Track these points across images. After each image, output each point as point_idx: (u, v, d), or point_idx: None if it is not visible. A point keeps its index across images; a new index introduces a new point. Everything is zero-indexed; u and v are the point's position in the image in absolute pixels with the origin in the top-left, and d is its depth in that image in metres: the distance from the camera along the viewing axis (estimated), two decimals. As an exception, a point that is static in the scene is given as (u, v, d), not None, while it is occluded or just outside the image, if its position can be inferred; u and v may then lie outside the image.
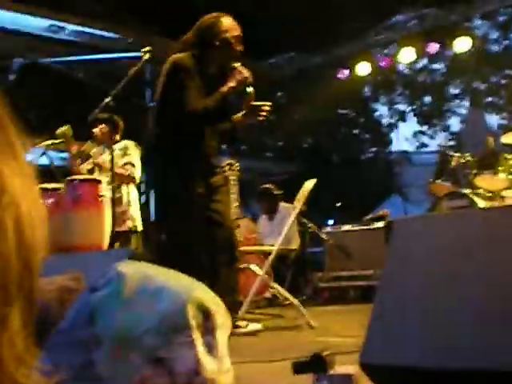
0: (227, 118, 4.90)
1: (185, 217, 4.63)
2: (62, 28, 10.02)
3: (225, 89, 4.63)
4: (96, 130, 6.95)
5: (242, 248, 5.78)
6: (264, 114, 4.85)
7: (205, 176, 4.77)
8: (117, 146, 6.84)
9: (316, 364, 1.88)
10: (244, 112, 4.90)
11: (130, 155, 6.99)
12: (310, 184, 5.80)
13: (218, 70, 4.80)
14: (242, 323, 4.71)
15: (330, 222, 13.52)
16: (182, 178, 4.64)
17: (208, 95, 4.60)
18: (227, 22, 4.78)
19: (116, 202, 6.10)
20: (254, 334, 4.70)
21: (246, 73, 4.68)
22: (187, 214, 4.63)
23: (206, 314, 0.94)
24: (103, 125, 6.83)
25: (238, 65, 4.70)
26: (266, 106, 4.87)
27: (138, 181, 7.03)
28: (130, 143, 7.08)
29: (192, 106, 4.50)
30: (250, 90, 4.74)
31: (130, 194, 7.00)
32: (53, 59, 11.24)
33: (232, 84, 4.65)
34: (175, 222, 4.69)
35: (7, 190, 0.48)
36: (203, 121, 4.65)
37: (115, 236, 5.98)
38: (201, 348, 0.92)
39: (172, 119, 4.64)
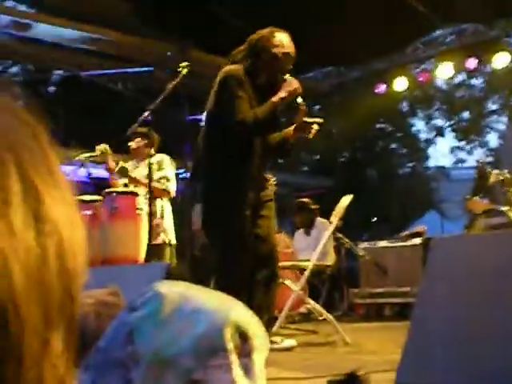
0: (277, 128, 4.91)
1: (231, 233, 4.62)
2: (100, 40, 10.12)
3: (275, 99, 4.62)
4: (132, 144, 7.01)
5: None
6: (315, 130, 4.82)
7: (253, 191, 4.75)
8: (152, 160, 6.88)
9: (351, 383, 1.88)
10: (295, 126, 4.89)
11: (164, 169, 7.03)
12: (346, 200, 5.79)
13: (267, 83, 4.79)
14: (276, 339, 4.69)
15: (366, 236, 13.45)
16: (230, 195, 4.65)
17: (256, 107, 4.60)
18: (280, 37, 4.78)
19: (152, 215, 6.14)
20: (288, 349, 4.68)
21: (295, 84, 4.67)
22: (234, 230, 4.61)
23: (243, 336, 0.95)
24: (139, 138, 6.89)
25: (288, 76, 4.70)
26: (317, 122, 4.86)
27: (172, 195, 7.08)
28: (165, 157, 7.13)
29: (242, 115, 4.50)
30: (300, 101, 4.72)
31: (165, 207, 7.05)
32: (92, 72, 11.37)
33: (282, 95, 4.64)
34: (221, 235, 4.71)
35: (50, 219, 0.50)
36: (253, 130, 4.62)
37: (150, 249, 6.01)
38: (238, 371, 0.93)
39: (222, 131, 4.64)
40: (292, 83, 4.67)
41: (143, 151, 6.84)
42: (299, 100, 4.72)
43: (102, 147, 6.69)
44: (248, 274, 4.61)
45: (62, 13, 10.45)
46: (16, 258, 0.46)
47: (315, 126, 4.82)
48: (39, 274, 0.48)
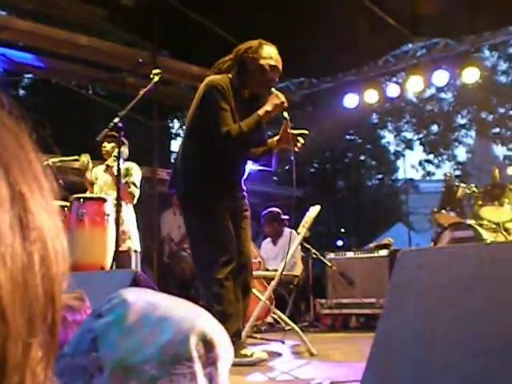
0: (262, 142, 4.85)
1: (209, 240, 4.59)
2: (72, 44, 10.07)
3: (260, 112, 4.57)
4: (106, 146, 7.01)
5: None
6: (300, 143, 4.80)
7: (231, 196, 4.75)
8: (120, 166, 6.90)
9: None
10: (279, 137, 4.85)
11: (132, 175, 7.04)
12: (315, 210, 5.80)
13: (251, 95, 4.77)
14: (246, 352, 4.65)
15: (340, 242, 13.46)
16: (208, 205, 4.64)
17: (240, 119, 4.55)
18: (269, 50, 4.73)
19: (120, 221, 6.12)
20: (258, 363, 4.64)
21: (281, 97, 4.62)
22: (212, 237, 4.59)
23: (208, 345, 0.94)
24: (113, 143, 6.91)
25: (274, 90, 4.66)
26: (303, 134, 4.84)
27: (134, 201, 7.08)
28: (134, 165, 7.15)
29: (227, 128, 4.46)
30: (286, 115, 4.69)
31: (130, 213, 7.05)
32: (62, 76, 11.30)
33: (268, 108, 4.59)
34: (200, 243, 4.68)
35: (35, 226, 0.51)
36: (238, 144, 4.58)
37: (116, 256, 5.99)
38: (202, 379, 0.92)
39: (203, 141, 4.62)
40: (278, 97, 4.63)
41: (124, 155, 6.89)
42: (285, 114, 4.69)
43: (86, 160, 6.70)
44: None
45: (34, 16, 10.40)
46: (2, 263, 0.47)
47: (301, 139, 4.80)
48: (24, 280, 0.49)
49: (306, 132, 4.87)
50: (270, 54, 4.72)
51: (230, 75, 4.71)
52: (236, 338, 4.44)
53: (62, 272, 0.54)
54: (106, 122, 5.32)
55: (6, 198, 0.49)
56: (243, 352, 4.52)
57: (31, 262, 0.50)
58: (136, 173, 7.12)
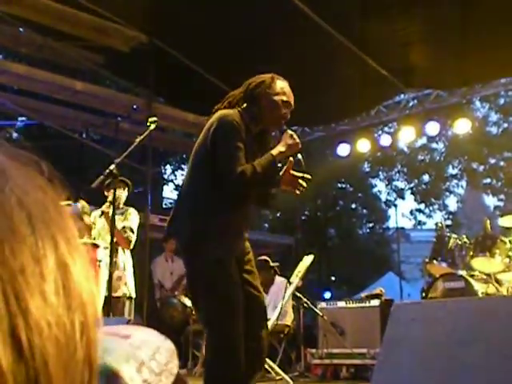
0: (275, 183, 4.56)
1: (221, 285, 4.40)
2: (68, 89, 10.15)
3: (274, 153, 4.34)
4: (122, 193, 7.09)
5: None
6: (302, 186, 4.55)
7: (240, 242, 4.48)
8: (118, 211, 6.94)
9: None
10: (282, 178, 4.54)
11: (129, 220, 7.05)
12: (308, 260, 5.81)
13: (261, 132, 4.56)
14: None
15: (327, 294, 13.44)
16: (218, 245, 4.31)
17: (248, 156, 4.29)
18: (281, 85, 4.51)
19: (113, 266, 6.11)
20: None
21: (296, 138, 4.44)
22: (224, 280, 4.26)
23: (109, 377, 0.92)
24: (126, 189, 7.00)
25: (288, 130, 4.45)
26: (306, 177, 4.57)
27: (131, 247, 7.07)
28: (132, 209, 7.16)
29: (241, 168, 4.19)
30: (299, 156, 4.49)
31: (126, 260, 7.03)
32: (56, 120, 11.35)
33: (282, 149, 4.37)
34: (209, 289, 4.30)
35: (77, 294, 0.53)
36: (251, 184, 4.32)
37: (109, 301, 5.94)
38: None
39: (212, 179, 4.34)
40: (293, 137, 4.43)
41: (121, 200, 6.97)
42: (299, 155, 4.50)
43: (84, 205, 6.72)
44: (242, 329, 4.41)
45: (30, 61, 10.49)
46: (50, 332, 0.49)
47: (303, 182, 4.55)
48: (67, 346, 0.51)
49: (309, 176, 4.61)
50: (283, 89, 4.52)
51: (240, 109, 4.46)
52: None
53: (97, 337, 0.56)
54: (99, 167, 5.34)
55: (53, 270, 0.51)
56: None
57: (74, 329, 0.52)
58: (133, 218, 7.13)
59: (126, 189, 7.16)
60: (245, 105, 4.51)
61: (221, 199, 4.36)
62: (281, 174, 4.58)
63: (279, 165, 4.65)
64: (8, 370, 0.47)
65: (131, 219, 7.08)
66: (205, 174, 4.40)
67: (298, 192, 4.61)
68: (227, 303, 4.29)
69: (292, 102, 4.59)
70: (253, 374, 4.65)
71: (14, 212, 0.52)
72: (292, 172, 4.54)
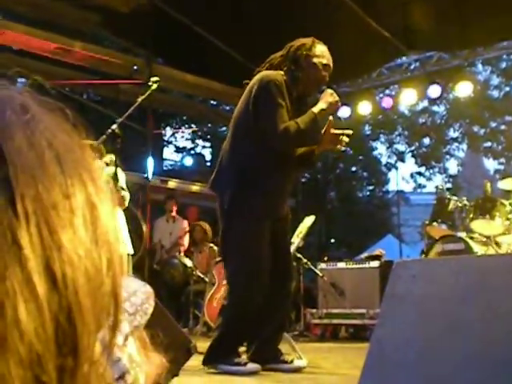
0: (317, 140, 4.65)
1: (250, 244, 4.47)
2: (68, 51, 10.09)
3: (315, 110, 4.43)
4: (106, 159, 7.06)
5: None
6: (344, 141, 4.64)
7: (282, 203, 4.65)
8: (111, 171, 6.97)
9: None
10: (324, 138, 4.64)
11: (119, 180, 7.07)
12: (309, 220, 5.81)
13: (303, 93, 4.64)
14: (240, 360, 4.56)
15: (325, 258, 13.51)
16: (257, 205, 4.46)
17: (290, 118, 4.38)
18: (321, 48, 4.60)
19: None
20: (250, 374, 4.56)
21: (336, 96, 4.52)
22: (253, 242, 4.47)
23: None
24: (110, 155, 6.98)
25: (327, 88, 4.57)
26: (346, 133, 4.65)
27: (126, 205, 7.09)
28: (118, 169, 7.18)
29: (285, 124, 4.30)
30: (330, 117, 4.57)
31: (121, 217, 7.06)
32: (57, 81, 11.30)
33: (323, 106, 4.45)
34: (239, 245, 4.51)
35: (103, 231, 0.56)
36: (295, 141, 4.43)
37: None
38: None
39: (255, 137, 4.43)
40: (333, 95, 4.51)
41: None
42: (330, 117, 4.58)
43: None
44: (263, 290, 4.44)
45: (28, 21, 10.40)
46: (80, 264, 0.52)
47: (344, 138, 4.63)
48: (95, 279, 0.54)
49: (350, 131, 4.67)
50: (322, 52, 4.60)
51: (281, 72, 4.54)
52: (235, 346, 4.50)
53: (123, 273, 0.59)
54: (99, 128, 5.30)
55: (81, 206, 0.54)
56: (236, 360, 4.46)
57: (101, 263, 0.54)
58: (122, 177, 7.15)
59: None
60: (286, 67, 4.58)
61: (264, 159, 4.45)
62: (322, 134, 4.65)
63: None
64: (44, 298, 0.49)
65: (120, 179, 7.11)
66: (247, 134, 4.48)
67: (342, 148, 4.70)
68: (254, 264, 4.43)
69: (331, 66, 4.63)
70: (279, 329, 4.78)
71: (44, 153, 0.54)
72: (333, 131, 4.61)
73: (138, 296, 0.87)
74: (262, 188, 4.47)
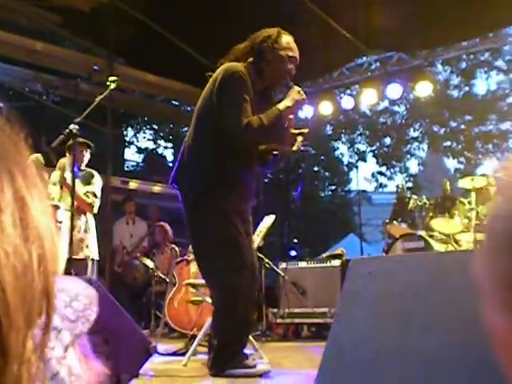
0: (280, 137, 4.48)
1: (225, 244, 4.29)
2: (27, 50, 9.99)
3: (281, 107, 4.29)
4: (85, 155, 7.04)
5: (198, 281, 5.75)
6: (299, 142, 4.50)
7: (245, 201, 4.47)
8: (81, 174, 6.95)
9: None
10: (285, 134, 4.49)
11: (93, 185, 7.03)
12: (269, 220, 5.82)
13: (267, 87, 4.50)
14: (249, 362, 4.38)
15: (293, 253, 13.52)
16: (224, 202, 4.29)
17: (253, 112, 4.23)
18: (287, 40, 4.46)
19: (74, 229, 6.08)
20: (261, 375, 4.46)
21: (302, 93, 4.38)
22: (228, 241, 4.28)
23: None
24: (88, 150, 6.96)
25: (293, 84, 4.40)
26: (303, 132, 4.54)
27: (95, 211, 7.05)
28: (95, 173, 7.14)
29: (248, 119, 4.14)
30: (291, 116, 4.43)
31: (89, 222, 7.02)
32: (16, 82, 11.19)
33: (289, 103, 4.32)
34: (213, 247, 4.33)
35: (34, 226, 0.54)
36: (257, 136, 4.28)
37: (71, 263, 5.92)
38: None
39: (217, 131, 4.27)
40: (300, 93, 4.38)
41: (81, 161, 6.95)
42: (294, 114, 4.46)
43: (34, 157, 6.62)
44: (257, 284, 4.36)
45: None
46: (7, 260, 0.50)
47: (299, 138, 4.51)
48: (25, 276, 0.52)
49: (306, 130, 4.57)
50: (289, 43, 4.46)
51: (245, 64, 4.39)
52: (240, 348, 4.36)
53: (56, 270, 0.57)
54: (59, 129, 5.25)
55: (10, 202, 0.53)
56: (245, 362, 4.32)
57: (31, 259, 0.53)
58: (97, 182, 7.11)
59: (89, 151, 7.12)
60: (250, 59, 4.43)
61: (226, 153, 4.30)
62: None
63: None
64: None
65: (94, 184, 7.07)
66: (210, 127, 4.32)
67: (295, 148, 4.53)
68: (234, 254, 4.26)
69: (298, 58, 4.50)
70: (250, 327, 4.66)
71: None
72: (292, 131, 4.49)
73: (80, 301, 0.85)
74: (226, 182, 4.33)
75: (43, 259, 0.55)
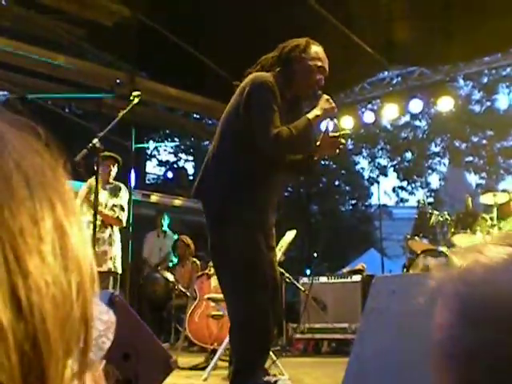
0: (311, 148, 4.39)
1: (247, 262, 4.14)
2: (50, 64, 10.07)
3: (310, 116, 4.20)
4: (112, 169, 7.10)
5: (219, 296, 5.75)
6: (341, 145, 4.41)
7: (271, 216, 4.37)
8: (108, 186, 7.00)
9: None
10: (322, 142, 4.40)
11: (120, 198, 7.06)
12: (290, 235, 5.81)
13: (295, 97, 4.41)
14: (270, 379, 4.37)
15: (307, 271, 13.50)
16: (248, 219, 4.18)
17: (282, 122, 4.13)
18: (316, 50, 4.38)
19: (99, 242, 6.13)
20: None
21: (332, 103, 4.31)
22: (250, 259, 4.14)
23: None
24: (116, 164, 7.02)
25: (323, 94, 4.33)
26: (344, 134, 4.44)
27: (123, 224, 7.05)
28: (122, 186, 7.16)
29: (277, 130, 4.04)
30: (335, 121, 4.42)
31: (114, 235, 7.03)
32: (38, 95, 11.28)
33: (318, 112, 4.24)
34: (235, 263, 4.19)
35: (73, 256, 0.54)
36: (286, 147, 4.19)
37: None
38: None
39: (244, 143, 4.17)
40: (329, 101, 4.30)
41: (108, 176, 6.99)
42: (335, 120, 4.43)
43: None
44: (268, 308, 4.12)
45: (12, 34, 10.38)
46: (47, 291, 0.51)
47: (342, 140, 4.39)
48: (64, 305, 0.52)
49: (347, 131, 4.54)
50: (317, 53, 4.38)
51: (273, 73, 4.29)
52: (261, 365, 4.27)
53: (93, 298, 0.57)
54: (81, 142, 5.27)
55: (50, 231, 0.52)
56: (266, 379, 4.21)
57: (70, 288, 0.53)
58: (124, 195, 7.12)
59: (116, 164, 7.17)
60: (278, 69, 4.34)
61: (252, 166, 4.21)
62: (319, 140, 4.40)
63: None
64: (8, 326, 0.48)
65: (121, 197, 7.09)
66: (237, 136, 4.24)
67: (337, 152, 4.44)
68: (255, 272, 4.14)
69: (327, 68, 4.44)
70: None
71: (12, 175, 0.52)
72: (332, 134, 4.38)
73: (96, 328, 0.84)
74: (252, 196, 4.22)
75: (82, 288, 0.55)
